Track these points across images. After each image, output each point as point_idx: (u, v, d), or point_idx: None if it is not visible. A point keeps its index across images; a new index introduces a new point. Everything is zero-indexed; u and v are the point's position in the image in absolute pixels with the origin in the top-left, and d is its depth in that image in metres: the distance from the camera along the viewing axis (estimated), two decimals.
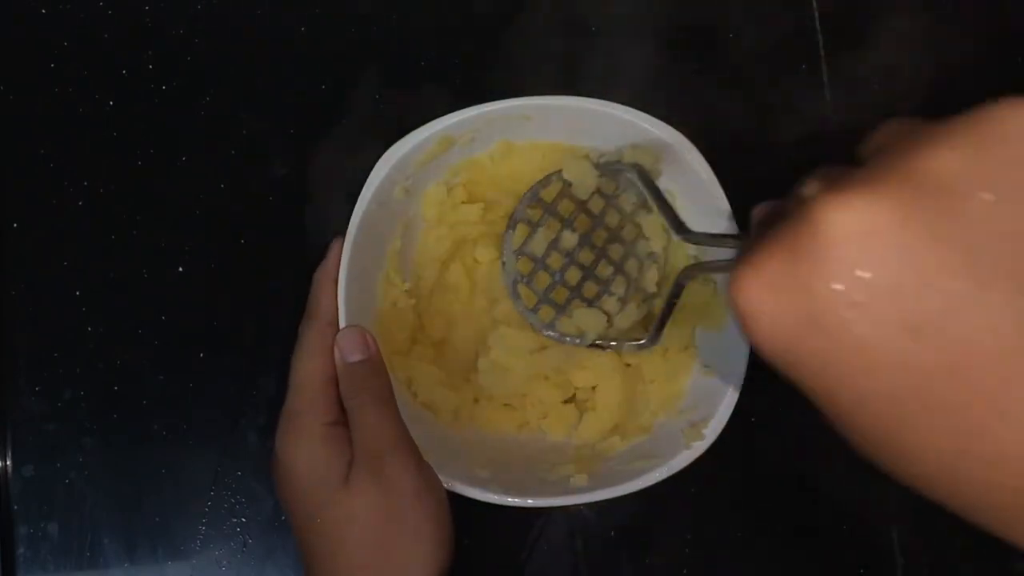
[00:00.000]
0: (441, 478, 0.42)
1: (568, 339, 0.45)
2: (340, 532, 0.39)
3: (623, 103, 0.44)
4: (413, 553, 0.39)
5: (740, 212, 0.44)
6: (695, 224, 0.42)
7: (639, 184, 0.43)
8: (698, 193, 0.44)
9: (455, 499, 0.43)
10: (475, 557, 0.49)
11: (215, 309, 0.49)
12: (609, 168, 0.44)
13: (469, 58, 0.51)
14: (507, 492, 0.43)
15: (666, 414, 0.46)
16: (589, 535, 0.50)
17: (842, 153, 0.53)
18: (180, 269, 0.49)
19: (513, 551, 0.50)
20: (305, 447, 0.40)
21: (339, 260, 0.43)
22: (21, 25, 0.50)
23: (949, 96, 0.55)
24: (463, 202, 0.47)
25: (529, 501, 0.43)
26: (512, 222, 0.45)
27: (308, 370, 0.42)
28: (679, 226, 0.41)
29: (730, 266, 0.33)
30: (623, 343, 0.45)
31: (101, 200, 0.49)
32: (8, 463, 0.47)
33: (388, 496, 0.39)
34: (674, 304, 0.43)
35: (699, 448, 0.43)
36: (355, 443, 0.41)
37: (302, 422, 0.41)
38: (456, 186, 0.46)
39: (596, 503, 0.50)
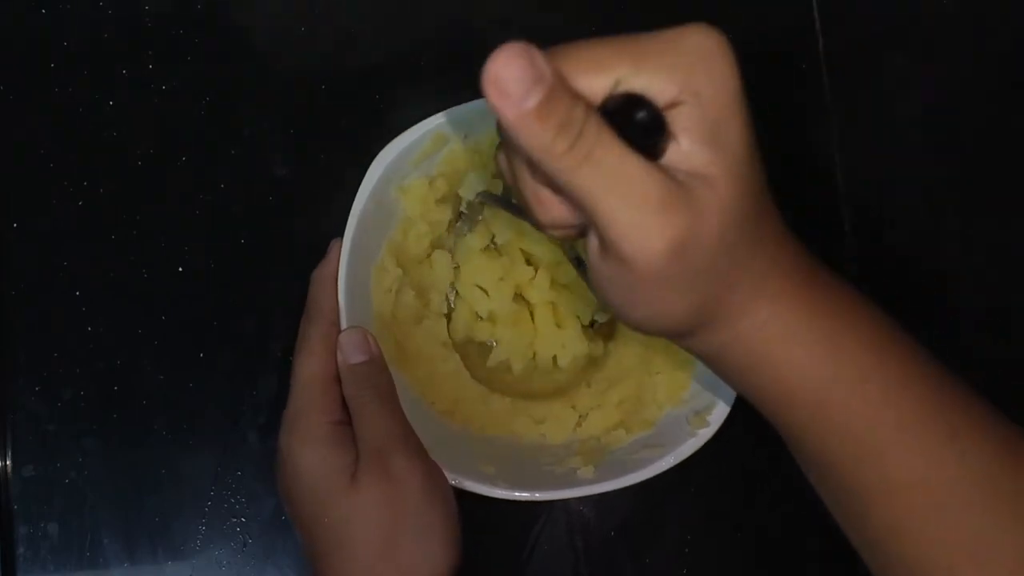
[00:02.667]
0: (448, 475, 0.42)
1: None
2: (348, 530, 0.39)
3: None
4: (423, 551, 0.39)
5: None
6: None
7: (492, 204, 0.46)
8: None
9: (457, 498, 0.43)
10: (475, 557, 0.49)
11: (215, 309, 0.49)
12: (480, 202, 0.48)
13: (469, 57, 0.51)
14: (514, 487, 0.42)
15: (672, 405, 0.46)
16: (589, 535, 0.50)
17: (840, 140, 0.54)
18: (180, 269, 0.49)
19: (513, 551, 0.50)
20: (310, 447, 0.40)
21: (338, 260, 0.43)
22: (21, 25, 0.50)
23: (950, 94, 0.55)
24: (442, 197, 0.47)
25: (537, 495, 0.43)
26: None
27: (310, 370, 0.42)
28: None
29: None
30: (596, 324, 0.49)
31: (101, 200, 0.49)
32: (8, 463, 0.47)
33: (396, 494, 0.39)
34: (581, 267, 0.45)
35: (704, 435, 0.43)
36: (360, 441, 0.40)
37: (306, 422, 0.41)
38: (436, 178, 0.46)
39: (596, 503, 0.50)
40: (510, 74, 0.27)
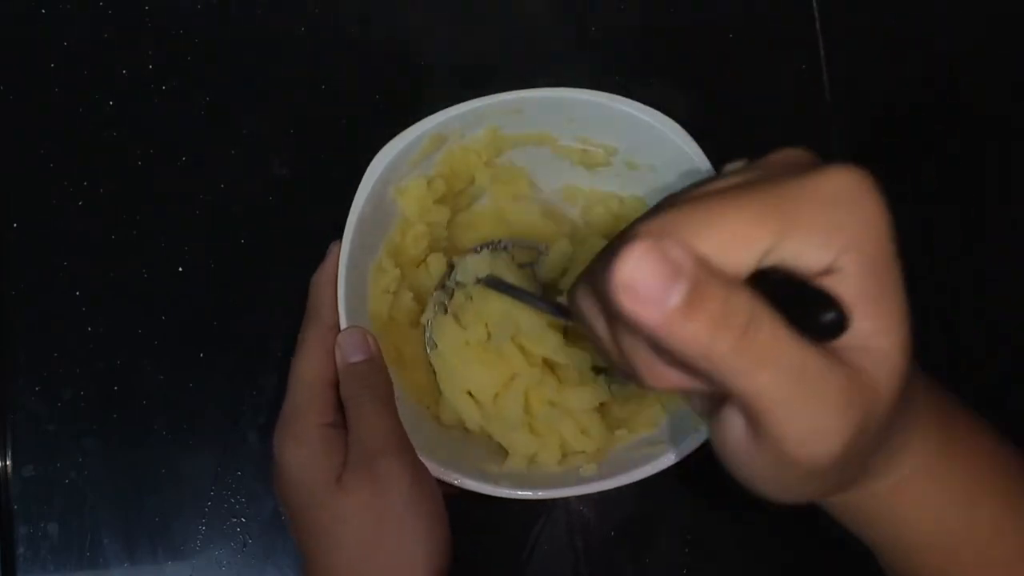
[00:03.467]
0: (452, 475, 0.42)
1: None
2: (333, 532, 0.39)
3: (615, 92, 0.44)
4: (407, 553, 0.39)
5: None
6: None
7: (502, 292, 0.43)
8: (690, 178, 0.44)
9: (454, 500, 0.43)
10: (475, 557, 0.49)
11: (215, 309, 0.49)
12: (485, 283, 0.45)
13: (468, 56, 0.52)
14: (517, 486, 0.42)
15: (676, 403, 0.46)
16: (589, 535, 0.50)
17: (840, 140, 0.54)
18: (180, 269, 0.49)
19: (513, 551, 0.50)
20: (300, 447, 0.40)
21: (336, 263, 0.43)
22: (21, 25, 0.50)
23: (945, 84, 0.55)
24: (440, 198, 0.47)
25: (540, 493, 0.43)
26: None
27: (308, 372, 0.42)
28: (556, 311, 0.41)
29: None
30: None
31: (101, 200, 0.49)
32: (8, 463, 0.47)
33: (381, 497, 0.39)
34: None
35: (707, 431, 0.43)
36: (352, 443, 0.40)
37: (299, 423, 0.41)
38: (434, 178, 0.46)
39: (597, 503, 0.50)
40: (642, 274, 0.23)
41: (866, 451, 0.28)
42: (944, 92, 0.55)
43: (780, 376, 0.25)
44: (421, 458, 0.41)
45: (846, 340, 0.26)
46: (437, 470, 0.42)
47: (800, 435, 0.26)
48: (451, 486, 0.42)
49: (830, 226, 0.26)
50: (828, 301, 0.25)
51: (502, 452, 0.46)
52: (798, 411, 0.25)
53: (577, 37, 0.53)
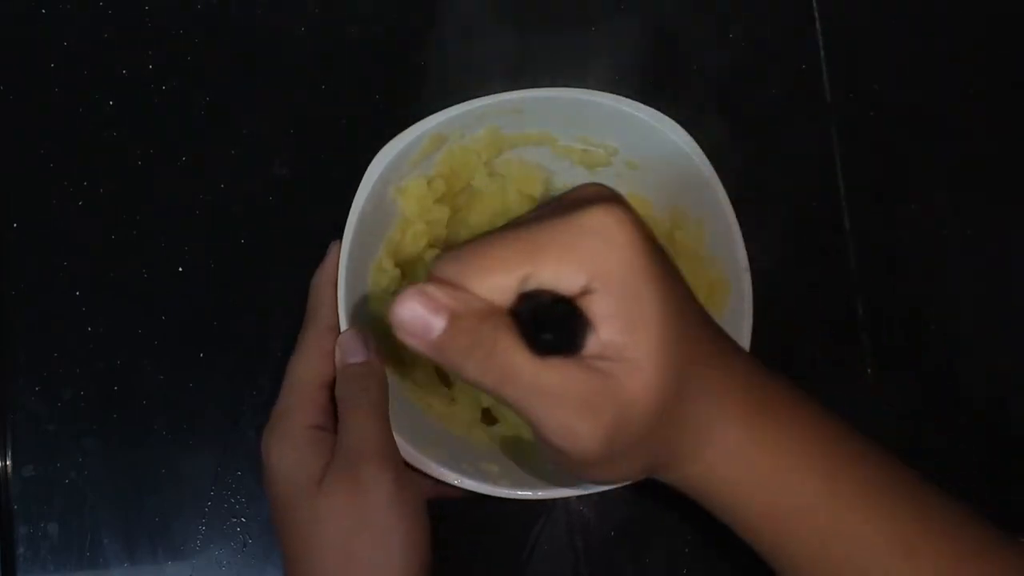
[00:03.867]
0: (452, 475, 0.42)
1: None
2: (309, 534, 0.39)
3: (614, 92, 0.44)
4: (380, 557, 0.39)
5: (734, 199, 0.44)
6: (689, 205, 0.45)
7: None
8: (689, 177, 0.44)
9: (454, 500, 0.43)
10: (475, 557, 0.49)
11: (215, 309, 0.49)
12: None
13: (468, 56, 0.52)
14: (516, 485, 0.42)
15: None
16: (589, 535, 0.50)
17: (840, 140, 0.54)
18: (180, 269, 0.49)
19: (513, 551, 0.50)
20: (285, 447, 0.40)
21: (336, 263, 0.43)
22: (21, 25, 0.50)
23: (945, 84, 0.55)
24: (440, 197, 0.47)
25: (540, 493, 0.43)
26: None
27: (302, 373, 0.42)
28: None
29: None
30: None
31: (101, 200, 0.49)
32: (8, 463, 0.47)
33: (359, 500, 0.39)
34: None
35: None
36: (338, 446, 0.40)
37: (287, 423, 0.41)
38: (434, 178, 0.46)
39: (597, 503, 0.50)
40: (409, 314, 0.30)
41: (639, 443, 0.33)
42: (944, 92, 0.55)
43: (520, 390, 0.31)
44: (421, 458, 0.41)
45: (601, 351, 0.31)
46: (437, 470, 0.41)
47: (555, 434, 0.31)
48: (451, 487, 0.42)
49: (582, 254, 0.31)
50: (566, 322, 0.31)
51: (501, 452, 0.46)
52: (546, 416, 0.31)
53: (577, 37, 0.53)
